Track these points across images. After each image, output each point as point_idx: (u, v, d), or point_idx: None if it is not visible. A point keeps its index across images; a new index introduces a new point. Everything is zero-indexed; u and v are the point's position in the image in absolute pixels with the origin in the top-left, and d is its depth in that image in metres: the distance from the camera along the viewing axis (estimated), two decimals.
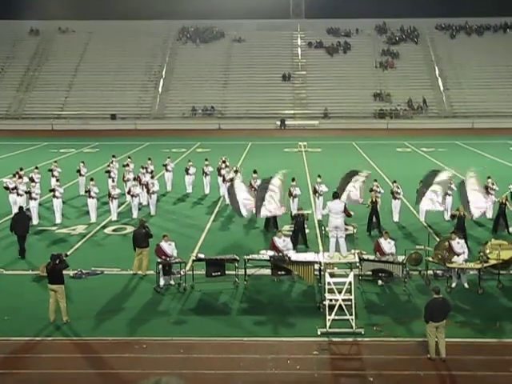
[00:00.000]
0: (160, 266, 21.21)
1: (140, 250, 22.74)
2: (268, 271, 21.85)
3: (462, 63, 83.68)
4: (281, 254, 21.38)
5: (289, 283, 21.75)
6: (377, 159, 48.89)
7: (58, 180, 32.84)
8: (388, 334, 17.66)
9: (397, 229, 28.52)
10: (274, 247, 21.86)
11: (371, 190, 29.49)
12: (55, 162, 38.48)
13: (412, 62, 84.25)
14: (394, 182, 30.91)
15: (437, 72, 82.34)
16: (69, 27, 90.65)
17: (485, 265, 21.09)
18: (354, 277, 19.06)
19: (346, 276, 18.69)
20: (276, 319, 18.88)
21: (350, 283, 18.22)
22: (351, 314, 17.78)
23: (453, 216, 26.38)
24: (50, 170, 36.03)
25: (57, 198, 30.30)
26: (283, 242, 21.99)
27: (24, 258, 24.67)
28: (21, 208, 26.22)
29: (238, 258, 21.76)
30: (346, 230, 24.87)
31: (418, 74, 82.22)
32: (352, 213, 24.60)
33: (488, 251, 21.82)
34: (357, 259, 21.14)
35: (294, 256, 21.38)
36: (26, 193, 30.48)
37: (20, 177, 32.24)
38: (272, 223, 28.39)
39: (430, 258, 22.10)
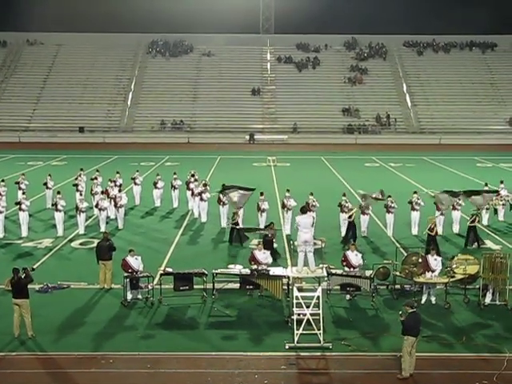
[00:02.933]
0: (127, 280, 21.05)
1: (103, 262, 22.61)
2: (236, 285, 21.77)
3: (429, 80, 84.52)
4: (261, 267, 21.26)
5: (257, 297, 21.68)
6: (345, 174, 49.11)
7: (24, 193, 32.52)
8: (356, 348, 17.68)
9: (365, 243, 28.63)
10: (253, 260, 21.78)
11: (340, 205, 29.61)
12: (23, 174, 38.10)
13: (380, 78, 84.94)
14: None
15: (404, 88, 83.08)
16: (37, 39, 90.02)
17: (451, 279, 21.25)
18: (322, 291, 19.07)
19: (315, 290, 18.70)
20: (244, 333, 18.81)
21: (318, 297, 18.23)
22: (319, 329, 17.78)
23: (431, 229, 26.57)
24: (17, 183, 35.67)
25: (23, 210, 29.97)
26: (263, 255, 21.94)
27: None
28: None
29: (206, 272, 21.69)
30: (315, 244, 24.87)
31: (386, 90, 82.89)
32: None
33: (454, 266, 21.98)
34: (325, 273, 21.15)
35: (262, 270, 21.32)
36: None
37: None
38: (235, 237, 28.38)
39: (398, 273, 22.21)
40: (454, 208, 30.45)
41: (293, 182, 41.35)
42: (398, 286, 22.20)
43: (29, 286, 18.69)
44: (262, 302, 21.46)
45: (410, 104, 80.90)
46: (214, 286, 21.42)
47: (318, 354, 17.41)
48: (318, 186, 38.74)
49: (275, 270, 21.41)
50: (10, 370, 16.51)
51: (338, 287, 21.54)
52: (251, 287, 21.49)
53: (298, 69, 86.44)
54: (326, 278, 21.30)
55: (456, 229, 30.66)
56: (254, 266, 21.60)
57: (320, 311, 18.12)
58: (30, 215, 31.12)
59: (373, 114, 78.02)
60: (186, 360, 17.04)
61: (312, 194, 30.91)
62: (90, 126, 76.46)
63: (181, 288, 21.29)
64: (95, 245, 24.16)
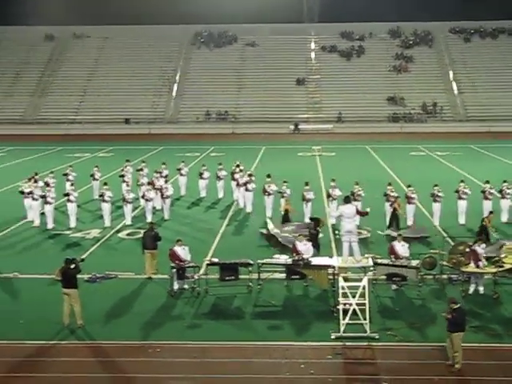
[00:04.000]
0: (174, 270, 21.22)
1: (149, 252, 22.87)
2: (282, 275, 21.81)
3: (476, 66, 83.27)
4: (301, 258, 21.27)
5: (303, 287, 21.69)
6: (390, 163, 48.73)
7: (72, 184, 32.96)
8: (402, 338, 17.59)
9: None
10: (295, 251, 21.79)
11: (386, 195, 29.43)
12: (70, 166, 38.62)
13: (426, 66, 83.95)
14: (409, 186, 30.83)
15: (451, 75, 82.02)
16: (84, 32, 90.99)
17: (500, 269, 20.97)
18: (368, 281, 18.99)
19: (360, 280, 18.63)
20: (290, 323, 18.86)
21: (364, 287, 18.16)
22: (365, 319, 17.72)
23: None
24: (65, 175, 36.15)
25: (71, 202, 30.41)
26: (304, 246, 21.91)
27: None
28: None
29: (251, 262, 21.75)
30: (360, 234, 24.82)
31: (431, 78, 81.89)
32: (368, 209, 24.46)
33: (503, 255, 21.69)
34: (371, 263, 21.09)
35: (306, 260, 21.31)
36: (41, 197, 30.60)
37: (35, 181, 32.36)
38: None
39: (445, 263, 22.01)
40: (503, 197, 30.06)
41: (338, 171, 41.20)
42: (444, 276, 22.01)
43: (78, 276, 18.99)
44: (308, 291, 21.46)
45: (456, 92, 79.85)
46: (259, 276, 21.47)
47: (364, 344, 17.37)
48: (364, 176, 38.51)
49: (321, 260, 21.40)
50: (61, 358, 16.82)
51: (384, 277, 21.41)
52: (297, 277, 21.50)
53: (343, 58, 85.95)
54: (371, 268, 21.23)
55: (505, 218, 30.24)
56: (285, 257, 21.61)
57: (366, 301, 18.04)
58: (78, 206, 31.57)
59: (418, 102, 77.19)
60: (233, 349, 17.14)
61: (357, 184, 30.77)
62: (135, 118, 77.12)
63: (226, 278, 21.39)
64: (141, 235, 24.43)
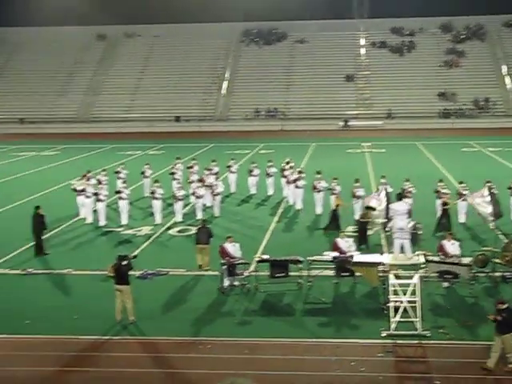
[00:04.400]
0: (224, 267, 21.35)
1: (201, 246, 23.07)
2: (331, 272, 21.78)
3: None
4: (344, 255, 21.30)
5: (352, 285, 21.63)
6: (442, 159, 48.20)
7: (124, 182, 33.35)
8: (454, 336, 17.42)
9: (463, 230, 28.10)
10: (336, 248, 21.78)
11: (437, 192, 29.15)
12: (122, 164, 39.08)
13: (478, 61, 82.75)
14: (461, 182, 30.45)
15: (504, 70, 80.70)
16: (134, 31, 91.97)
17: None
18: (420, 278, 18.85)
19: (411, 278, 18.50)
20: (340, 320, 18.83)
21: (415, 285, 18.03)
22: (416, 316, 17.59)
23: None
24: (117, 172, 36.61)
25: (123, 199, 30.79)
26: (346, 243, 21.89)
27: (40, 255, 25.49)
28: (37, 207, 26.51)
29: (301, 259, 21.76)
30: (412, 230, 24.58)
31: (484, 73, 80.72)
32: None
33: None
34: (422, 260, 20.92)
35: (358, 257, 21.28)
36: (93, 195, 31.04)
37: (88, 179, 32.84)
38: (331, 224, 28.27)
39: (498, 260, 21.71)
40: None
41: (388, 168, 40.93)
42: (498, 274, 21.71)
43: (130, 273, 19.24)
44: (357, 289, 21.39)
45: (509, 86, 78.55)
46: (309, 272, 21.48)
47: (415, 341, 17.25)
48: (414, 172, 38.19)
49: (371, 257, 21.32)
50: (113, 353, 17.08)
51: (436, 274, 21.21)
52: (346, 274, 21.46)
53: (393, 53, 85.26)
54: (423, 265, 21.05)
55: None
56: (335, 254, 21.58)
57: (417, 299, 17.90)
58: (129, 203, 31.94)
59: (470, 97, 76.19)
60: (283, 346, 17.19)
61: (408, 180, 30.53)
62: (185, 116, 77.71)
63: (277, 275, 21.43)
64: (192, 232, 24.64)
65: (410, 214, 23.81)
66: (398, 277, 19.31)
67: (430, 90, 77.81)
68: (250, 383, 2.04)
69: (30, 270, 23.86)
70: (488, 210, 24.17)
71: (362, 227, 25.79)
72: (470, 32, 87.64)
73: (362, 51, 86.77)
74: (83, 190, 31.33)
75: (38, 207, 26.29)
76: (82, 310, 19.94)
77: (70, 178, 39.57)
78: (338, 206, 29.04)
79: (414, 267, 20.64)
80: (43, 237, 26.31)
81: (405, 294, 17.87)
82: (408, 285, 18.10)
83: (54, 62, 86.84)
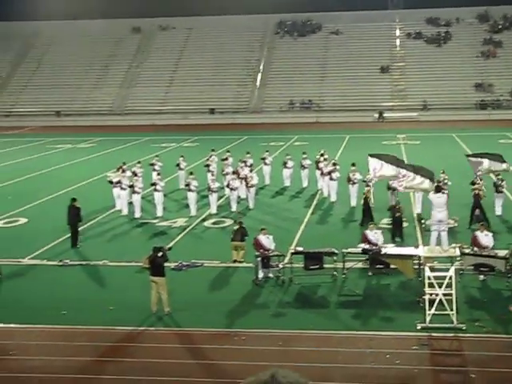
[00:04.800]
0: (258, 259, 21.39)
1: (235, 244, 23.20)
2: (366, 265, 21.71)
3: None
4: (375, 247, 21.20)
5: (387, 277, 21.53)
6: (478, 151, 47.57)
7: (159, 174, 33.53)
8: (490, 330, 17.27)
9: (500, 222, 27.81)
10: (365, 240, 21.71)
11: (473, 183, 28.86)
12: (157, 156, 39.30)
13: None
14: (498, 175, 30.08)
15: None
16: (169, 24, 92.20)
17: None
18: (455, 271, 18.71)
19: (447, 270, 18.37)
20: (374, 313, 18.78)
21: (450, 277, 17.90)
22: (452, 309, 17.48)
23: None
24: (152, 164, 36.82)
25: (158, 191, 30.98)
26: (375, 235, 21.83)
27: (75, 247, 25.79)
28: (73, 199, 26.76)
29: (336, 252, 21.73)
30: (448, 223, 24.42)
31: None
32: None
33: None
34: (458, 253, 20.75)
35: (393, 250, 21.19)
36: (129, 187, 31.28)
37: (123, 171, 33.10)
38: (366, 217, 28.06)
39: None
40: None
41: (423, 160, 40.52)
42: None
43: (165, 264, 19.36)
44: (392, 281, 21.29)
45: None
46: (344, 265, 21.44)
47: (451, 335, 17.14)
48: (450, 164, 37.82)
49: (406, 250, 21.22)
50: (149, 344, 17.23)
51: (472, 267, 21.04)
52: (381, 266, 21.38)
53: (429, 44, 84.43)
54: (458, 258, 20.89)
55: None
56: (366, 246, 21.49)
57: (453, 291, 17.78)
58: (164, 195, 32.12)
59: (507, 88, 75.13)
60: (317, 338, 17.19)
61: (443, 172, 30.27)
62: (220, 108, 77.80)
63: (311, 267, 21.44)
64: (226, 224, 24.77)
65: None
66: (433, 269, 19.19)
67: (466, 81, 76.91)
68: (292, 374, 2.04)
69: (66, 261, 24.14)
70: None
71: (397, 219, 25.64)
72: (507, 21, 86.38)
73: (397, 42, 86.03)
74: (119, 182, 31.57)
75: (74, 199, 26.56)
76: (118, 301, 20.13)
77: (105, 170, 39.92)
78: (366, 197, 28.78)
79: (450, 260, 20.49)
80: (79, 229, 26.60)
81: (440, 287, 17.75)
82: (444, 277, 17.98)
83: (90, 55, 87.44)
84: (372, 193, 29.20)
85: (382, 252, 20.98)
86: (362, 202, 28.68)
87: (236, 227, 24.08)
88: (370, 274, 21.72)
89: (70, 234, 26.34)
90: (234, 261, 23.15)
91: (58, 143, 60.16)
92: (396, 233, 25.33)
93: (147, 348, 16.99)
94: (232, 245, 23.41)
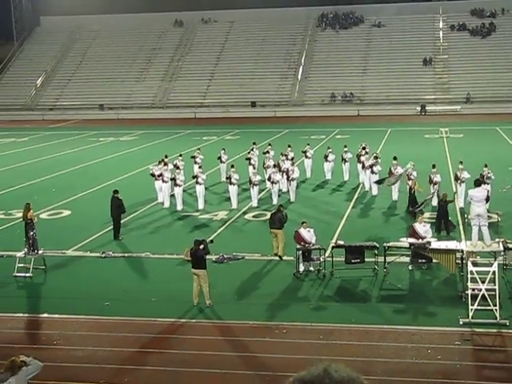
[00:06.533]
0: (299, 252, 21.39)
1: (274, 231, 23.09)
2: (408, 259, 21.58)
3: None
4: (421, 241, 21.04)
5: (429, 271, 21.38)
6: None
7: (200, 167, 33.69)
8: None
9: None
10: (413, 233, 21.54)
11: None
12: (198, 149, 39.47)
13: None
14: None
15: None
16: (211, 17, 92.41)
17: None
18: (499, 266, 18.49)
19: (490, 265, 18.17)
20: (416, 307, 18.66)
21: (494, 272, 17.71)
22: (495, 305, 17.28)
23: None
24: (193, 157, 36.99)
25: (199, 184, 31.12)
26: (424, 228, 21.63)
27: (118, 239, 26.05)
28: (115, 191, 26.94)
29: (377, 245, 21.63)
30: (490, 217, 24.11)
31: None
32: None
33: None
34: (501, 248, 20.50)
35: (436, 244, 21.02)
36: (170, 179, 31.47)
37: (165, 164, 33.27)
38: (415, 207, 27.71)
39: None
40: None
41: (466, 153, 40.17)
42: None
43: (206, 257, 19.46)
44: (434, 275, 21.13)
45: None
46: (385, 259, 21.34)
47: (494, 330, 16.96)
48: (493, 158, 37.33)
49: (448, 244, 21.03)
50: (190, 335, 17.35)
51: None
52: (423, 261, 21.23)
53: (473, 36, 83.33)
54: (502, 253, 20.64)
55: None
56: (412, 240, 21.29)
57: (496, 287, 17.59)
58: (205, 188, 32.26)
59: None
60: (358, 332, 17.15)
61: (486, 166, 29.90)
62: (261, 101, 77.82)
63: (352, 261, 21.38)
64: (268, 217, 24.73)
65: (487, 200, 23.33)
66: (476, 264, 19.00)
67: (510, 74, 75.71)
68: (344, 368, 2.03)
69: (109, 252, 24.41)
70: None
71: (443, 213, 25.39)
72: None
73: (441, 34, 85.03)
74: (161, 175, 31.78)
75: (116, 191, 26.79)
76: (160, 292, 20.30)
77: (147, 163, 40.16)
78: (412, 189, 28.52)
79: (493, 254, 20.25)
80: (122, 221, 26.85)
81: (483, 282, 17.57)
82: (487, 272, 17.79)
83: (133, 48, 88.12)
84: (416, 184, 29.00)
85: (426, 246, 20.80)
86: (408, 193, 28.50)
87: (273, 212, 24.04)
88: (410, 268, 21.59)
89: (112, 226, 26.61)
90: (275, 254, 23.13)
91: (101, 136, 60.78)
92: (442, 226, 25.08)
93: (188, 340, 17.11)
94: (271, 233, 23.34)
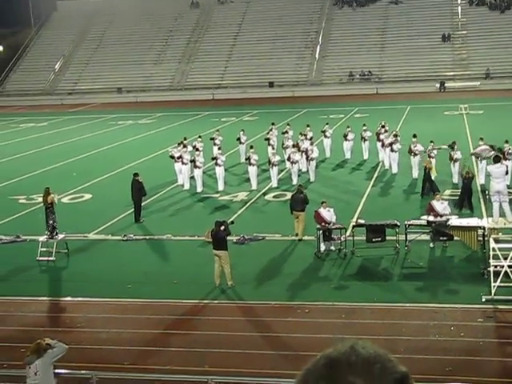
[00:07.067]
0: (320, 232, 21.39)
1: (296, 213, 23.07)
2: (429, 237, 21.51)
3: None
4: (440, 218, 20.94)
5: (450, 249, 21.30)
6: None
7: (219, 148, 33.70)
8: None
9: None
10: (431, 211, 21.42)
11: None
12: (217, 130, 39.48)
13: None
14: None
15: None
16: None
17: None
18: None
19: None
20: (438, 285, 18.64)
21: None
22: None
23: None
24: (212, 139, 37.00)
25: (219, 165, 31.15)
26: (441, 205, 21.52)
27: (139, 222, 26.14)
28: (135, 174, 26.97)
29: (398, 224, 21.57)
30: (510, 193, 23.97)
31: None
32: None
33: None
34: None
35: (457, 221, 20.93)
36: (190, 161, 31.51)
37: (184, 146, 33.30)
38: (427, 188, 27.63)
39: None
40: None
41: (486, 130, 39.84)
42: None
43: (227, 238, 19.51)
44: (455, 253, 21.07)
45: None
46: (406, 237, 21.29)
47: None
48: None
49: (470, 221, 20.94)
50: (213, 316, 17.45)
51: None
52: (444, 238, 21.16)
53: (492, 11, 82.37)
54: None
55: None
56: (431, 217, 21.17)
57: None
58: (225, 170, 32.29)
59: None
60: (380, 311, 17.17)
61: (507, 142, 29.65)
62: (279, 81, 77.57)
63: (373, 239, 21.35)
64: (288, 198, 24.75)
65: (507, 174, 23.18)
66: (498, 241, 18.91)
67: None
68: (372, 345, 2.03)
69: (130, 235, 24.54)
70: None
71: (466, 188, 25.22)
72: None
73: (459, 10, 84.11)
74: (180, 157, 31.84)
75: (136, 174, 26.85)
76: (182, 274, 20.42)
77: (167, 145, 40.24)
78: (427, 168, 28.32)
79: None
80: (142, 203, 26.94)
81: (506, 259, 17.50)
82: (509, 249, 17.72)
83: (150, 31, 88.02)
84: (434, 164, 28.89)
85: (448, 224, 20.71)
86: (423, 173, 28.34)
87: (293, 193, 24.00)
88: (431, 245, 21.53)
89: (133, 209, 26.72)
90: (296, 234, 23.13)
91: (120, 119, 60.95)
92: (465, 202, 24.91)
93: (211, 321, 17.21)
94: (294, 215, 23.28)
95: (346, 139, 36.63)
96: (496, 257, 17.69)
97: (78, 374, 13.82)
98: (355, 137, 36.65)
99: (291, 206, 23.39)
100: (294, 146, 33.40)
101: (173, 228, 25.17)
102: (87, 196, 31.43)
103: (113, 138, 49.46)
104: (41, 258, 22.44)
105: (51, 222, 22.62)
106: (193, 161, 31.24)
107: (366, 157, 36.26)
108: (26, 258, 22.76)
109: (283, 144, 35.19)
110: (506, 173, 22.99)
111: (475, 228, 20.33)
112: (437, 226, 21.03)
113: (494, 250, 17.79)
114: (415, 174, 31.00)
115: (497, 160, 22.95)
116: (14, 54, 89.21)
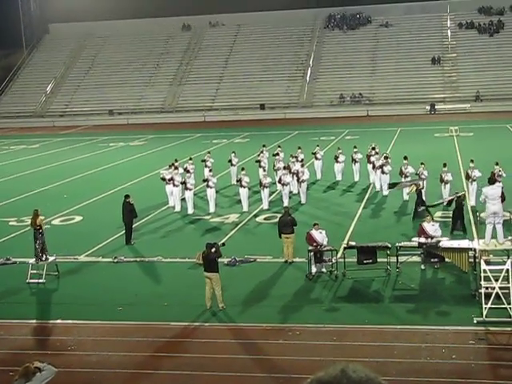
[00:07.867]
0: (311, 254, 21.37)
1: (286, 236, 23.00)
2: (420, 258, 21.51)
3: None
4: (431, 240, 20.96)
5: (441, 271, 21.31)
6: None
7: (210, 170, 33.71)
8: None
9: None
10: (422, 232, 21.47)
11: None
12: (208, 152, 39.50)
13: None
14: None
15: None
16: (219, 21, 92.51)
17: None
18: None
19: (503, 263, 18.10)
20: (430, 307, 18.61)
21: (507, 271, 17.63)
22: (509, 303, 17.22)
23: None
24: (203, 161, 37.02)
25: (210, 187, 31.14)
26: (432, 227, 21.56)
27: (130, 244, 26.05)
28: (126, 196, 26.93)
29: (389, 246, 21.58)
30: (503, 215, 24.01)
31: None
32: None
33: None
34: None
35: (448, 243, 20.96)
36: (181, 183, 31.50)
37: (176, 168, 33.31)
38: (419, 212, 27.62)
39: None
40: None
41: (477, 152, 40.03)
42: None
43: (218, 260, 19.45)
44: (446, 275, 21.07)
45: None
46: (397, 259, 21.29)
47: (509, 329, 16.89)
48: (504, 156, 37.14)
49: (461, 243, 20.97)
50: (204, 339, 17.35)
51: None
52: (435, 260, 21.17)
53: (481, 34, 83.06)
54: None
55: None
56: (422, 239, 21.20)
57: (510, 285, 17.51)
58: (216, 191, 32.28)
59: None
60: (372, 333, 17.11)
61: (497, 164, 29.79)
62: (270, 103, 77.84)
63: (364, 261, 21.33)
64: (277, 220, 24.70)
65: (503, 197, 23.24)
66: (489, 263, 18.93)
67: None
68: (362, 369, 2.02)
69: (121, 257, 24.45)
70: None
71: (458, 211, 25.29)
72: None
73: (449, 33, 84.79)
74: (171, 179, 31.83)
75: (127, 196, 26.83)
76: (172, 296, 20.33)
77: (158, 167, 40.24)
78: (417, 189, 28.34)
79: (506, 253, 20.17)
80: (133, 225, 26.88)
81: (497, 281, 17.50)
82: (500, 271, 17.72)
83: (141, 54, 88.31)
84: (425, 184, 29.00)
85: (439, 245, 20.73)
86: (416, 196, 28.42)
87: (281, 216, 23.92)
88: (423, 267, 21.54)
89: (124, 231, 26.65)
90: (285, 261, 23.00)
91: (111, 141, 60.96)
92: (457, 225, 24.96)
93: (202, 343, 17.12)
94: (283, 238, 23.15)
95: (337, 161, 36.72)
96: (487, 278, 17.69)
97: None
98: (346, 159, 36.73)
99: (279, 229, 23.30)
100: (285, 167, 33.43)
101: (164, 250, 25.10)
102: (78, 218, 31.34)
103: (104, 160, 49.42)
104: (31, 281, 22.31)
105: (39, 244, 22.50)
106: (184, 183, 31.23)
107: (356, 179, 36.35)
108: (16, 280, 22.63)
109: (274, 166, 35.24)
110: (502, 196, 23.06)
111: (466, 250, 20.35)
112: (428, 247, 21.05)
113: (484, 271, 17.80)
114: (406, 196, 31.06)
115: (492, 182, 23.06)
116: (6, 76, 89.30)
